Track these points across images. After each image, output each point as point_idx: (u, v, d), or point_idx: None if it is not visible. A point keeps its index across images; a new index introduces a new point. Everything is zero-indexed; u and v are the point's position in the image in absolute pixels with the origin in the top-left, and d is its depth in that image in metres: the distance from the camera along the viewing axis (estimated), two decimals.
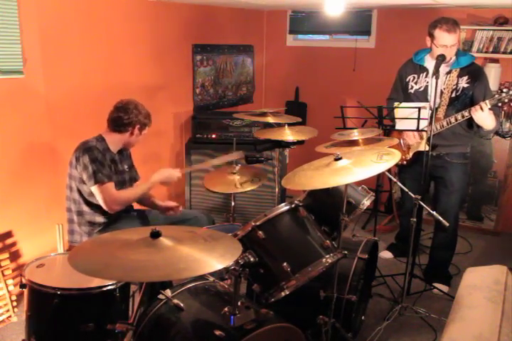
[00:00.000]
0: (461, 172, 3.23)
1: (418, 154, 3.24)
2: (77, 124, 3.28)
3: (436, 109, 3.07)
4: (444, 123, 3.03)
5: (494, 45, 4.08)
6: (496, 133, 4.07)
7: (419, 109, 2.91)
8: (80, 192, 2.63)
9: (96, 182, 2.53)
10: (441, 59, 2.88)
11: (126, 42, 3.65)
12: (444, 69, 3.06)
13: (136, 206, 2.96)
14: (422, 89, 3.17)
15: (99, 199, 2.58)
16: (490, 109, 2.87)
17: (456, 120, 3.00)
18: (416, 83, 3.20)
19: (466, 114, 2.95)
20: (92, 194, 2.59)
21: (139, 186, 2.82)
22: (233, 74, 4.86)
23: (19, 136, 3.02)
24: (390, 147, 2.43)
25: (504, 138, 4.10)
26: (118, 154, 2.77)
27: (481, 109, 2.85)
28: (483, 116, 2.88)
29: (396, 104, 3.19)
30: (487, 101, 2.86)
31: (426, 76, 3.15)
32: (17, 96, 2.96)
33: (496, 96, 2.87)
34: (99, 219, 2.66)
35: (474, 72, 3.07)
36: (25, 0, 2.87)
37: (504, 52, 4.05)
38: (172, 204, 2.91)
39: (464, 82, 3.06)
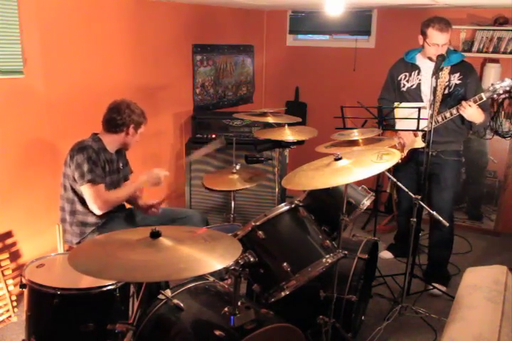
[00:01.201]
0: (454, 169, 3.28)
1: (412, 152, 3.27)
2: (77, 124, 3.27)
3: (430, 105, 3.09)
4: (439, 119, 3.07)
5: (494, 45, 4.09)
6: (496, 133, 4.07)
7: (419, 109, 2.91)
8: (74, 191, 2.63)
9: (88, 181, 2.54)
10: (441, 59, 2.88)
11: (127, 42, 3.65)
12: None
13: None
14: (414, 86, 3.21)
15: (87, 199, 2.57)
16: (478, 104, 2.94)
17: (444, 118, 3.05)
18: (408, 81, 3.24)
19: (454, 111, 3.02)
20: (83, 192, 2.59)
21: (127, 187, 2.81)
22: (233, 74, 4.86)
23: (19, 136, 3.02)
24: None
25: (504, 138, 4.10)
26: (115, 153, 2.78)
27: (469, 106, 2.93)
28: (471, 112, 2.95)
29: (396, 104, 3.20)
30: (482, 94, 2.92)
31: (418, 74, 3.20)
32: (17, 96, 2.96)
33: (491, 88, 2.92)
34: (92, 219, 2.65)
35: (465, 69, 3.13)
36: (25, 0, 2.87)
37: (504, 52, 4.06)
38: (153, 201, 2.88)
39: (456, 79, 3.11)
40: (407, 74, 3.25)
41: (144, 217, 2.91)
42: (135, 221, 2.87)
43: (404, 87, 3.26)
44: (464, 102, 2.95)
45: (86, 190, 2.56)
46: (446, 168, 3.25)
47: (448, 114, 3.05)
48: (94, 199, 2.56)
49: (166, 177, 2.87)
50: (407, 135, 3.25)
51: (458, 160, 3.30)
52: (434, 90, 2.85)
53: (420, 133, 3.12)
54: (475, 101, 2.94)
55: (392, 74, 3.36)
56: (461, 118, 3.09)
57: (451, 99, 3.13)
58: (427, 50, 3.08)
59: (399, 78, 3.29)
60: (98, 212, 2.60)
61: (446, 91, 3.13)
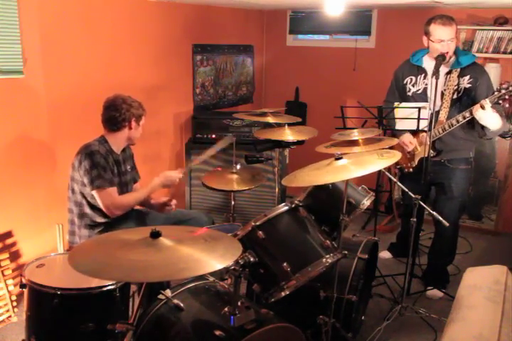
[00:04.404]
0: (461, 178, 3.13)
1: (424, 161, 3.12)
2: (77, 124, 3.28)
3: (438, 111, 2.99)
4: (446, 126, 2.94)
5: (494, 45, 4.08)
6: None
7: (419, 109, 2.90)
8: (83, 194, 2.62)
9: (97, 187, 2.53)
10: (440, 59, 2.82)
11: (127, 42, 3.65)
12: (443, 69, 2.97)
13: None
14: (420, 91, 3.08)
15: (100, 204, 2.57)
16: (492, 107, 2.75)
17: (457, 122, 2.90)
18: (413, 85, 3.11)
19: (467, 114, 2.85)
20: (94, 197, 2.59)
21: (140, 191, 2.81)
22: (233, 74, 4.86)
23: (19, 136, 3.02)
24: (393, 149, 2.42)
25: (504, 138, 4.09)
26: (122, 154, 2.78)
27: (482, 107, 2.72)
28: (486, 115, 2.77)
29: (396, 104, 3.14)
30: (487, 100, 2.74)
31: (424, 78, 3.06)
32: (17, 96, 2.96)
33: (496, 93, 2.77)
34: (100, 219, 2.65)
35: (476, 72, 2.97)
36: (25, 0, 2.87)
37: (504, 52, 4.05)
38: (164, 199, 2.87)
39: (465, 83, 2.96)
40: (413, 77, 3.10)
41: (152, 218, 2.90)
42: (142, 222, 2.86)
43: (409, 91, 3.12)
44: (482, 101, 2.72)
45: (97, 196, 2.56)
46: (453, 178, 3.11)
47: (454, 121, 2.88)
48: (105, 204, 2.55)
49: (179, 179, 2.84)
50: (408, 144, 3.13)
51: (466, 169, 3.13)
52: (435, 92, 2.74)
53: (429, 141, 2.96)
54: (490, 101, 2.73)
55: (397, 76, 3.22)
56: (471, 125, 2.94)
57: (460, 104, 2.96)
58: (433, 49, 2.93)
59: (404, 82, 3.14)
60: (111, 216, 2.60)
61: (455, 96, 2.96)
